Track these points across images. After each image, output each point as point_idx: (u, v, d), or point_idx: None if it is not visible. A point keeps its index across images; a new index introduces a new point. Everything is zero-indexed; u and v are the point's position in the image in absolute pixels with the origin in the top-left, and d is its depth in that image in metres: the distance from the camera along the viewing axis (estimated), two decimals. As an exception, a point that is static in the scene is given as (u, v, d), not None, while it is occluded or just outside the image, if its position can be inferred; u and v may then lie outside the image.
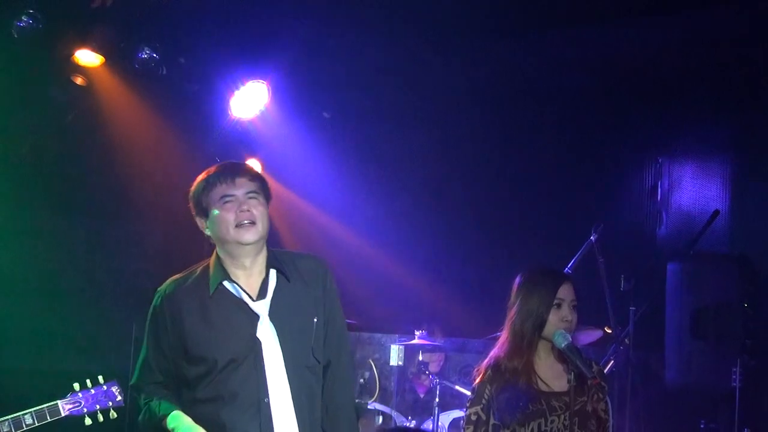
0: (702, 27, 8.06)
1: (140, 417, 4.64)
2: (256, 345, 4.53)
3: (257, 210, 4.60)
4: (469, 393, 7.69)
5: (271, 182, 9.62)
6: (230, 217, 4.56)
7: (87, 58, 7.96)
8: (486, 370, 5.10)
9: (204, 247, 5.00)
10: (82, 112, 8.33)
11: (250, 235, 4.57)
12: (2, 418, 5.02)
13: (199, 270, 4.71)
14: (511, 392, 5.01)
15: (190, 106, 8.72)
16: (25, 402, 5.15)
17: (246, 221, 4.56)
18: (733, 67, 8.37)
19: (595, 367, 5.03)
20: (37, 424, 5.00)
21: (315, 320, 4.67)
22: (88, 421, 5.00)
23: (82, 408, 5.03)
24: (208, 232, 4.68)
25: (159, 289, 4.72)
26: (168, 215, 8.70)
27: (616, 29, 8.21)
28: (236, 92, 8.65)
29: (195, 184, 4.71)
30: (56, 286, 8.40)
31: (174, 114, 8.64)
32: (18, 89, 7.71)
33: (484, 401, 5.06)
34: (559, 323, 5.03)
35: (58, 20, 7.62)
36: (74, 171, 8.49)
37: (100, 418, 5.11)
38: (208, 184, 4.64)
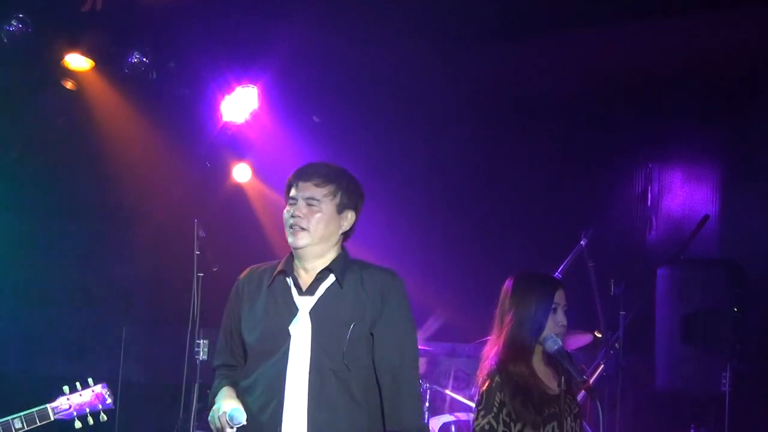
0: (691, 33, 8.08)
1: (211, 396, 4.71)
2: (286, 338, 4.52)
3: (312, 216, 4.64)
4: (458, 397, 7.72)
5: (261, 186, 9.65)
6: (286, 218, 4.67)
7: (77, 62, 7.95)
8: (493, 377, 5.01)
9: (193, 249, 5.00)
10: (71, 116, 8.32)
11: (297, 239, 4.61)
12: None
13: (277, 261, 4.78)
14: (525, 395, 4.95)
15: (180, 111, 8.72)
16: (13, 406, 5.13)
17: (295, 226, 4.62)
18: (723, 72, 8.38)
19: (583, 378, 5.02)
20: (26, 428, 4.99)
21: (353, 325, 4.56)
22: (78, 425, 4.99)
23: (72, 411, 5.02)
24: None
25: (239, 277, 4.82)
26: (157, 219, 8.70)
27: (605, 36, 8.22)
28: (226, 96, 8.64)
29: None
30: (45, 290, 8.39)
31: (164, 118, 8.63)
32: (8, 94, 7.70)
33: (495, 409, 4.96)
34: (555, 328, 5.02)
35: (48, 25, 7.62)
36: (64, 175, 8.48)
37: (90, 421, 5.10)
38: (287, 183, 4.77)
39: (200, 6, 8.02)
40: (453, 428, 7.86)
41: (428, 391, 7.94)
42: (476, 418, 5.00)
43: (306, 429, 4.45)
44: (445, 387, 8.24)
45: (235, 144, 9.17)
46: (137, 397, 8.58)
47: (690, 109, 8.76)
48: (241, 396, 4.56)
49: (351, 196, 4.84)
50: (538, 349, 5.08)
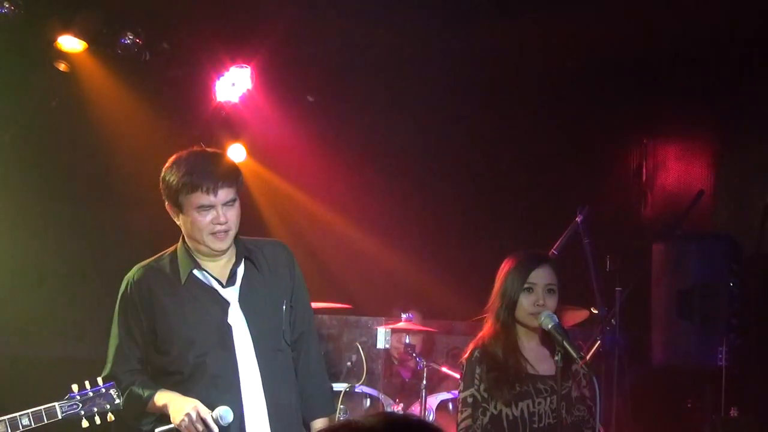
0: (684, 8, 8.06)
1: (121, 403, 4.68)
2: (227, 330, 4.62)
3: (232, 217, 4.63)
4: (455, 375, 7.74)
5: (256, 166, 9.65)
6: (204, 226, 4.58)
7: (70, 44, 7.92)
8: (473, 351, 5.12)
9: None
10: (65, 98, 8.29)
11: (224, 244, 4.64)
12: None
13: (167, 256, 4.78)
14: (500, 372, 5.03)
15: (174, 91, 8.70)
16: (12, 389, 5.15)
17: (219, 233, 4.59)
18: (716, 47, 8.37)
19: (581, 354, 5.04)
20: (33, 426, 4.98)
21: (284, 306, 4.76)
22: (85, 424, 4.99)
23: (79, 410, 5.01)
24: (178, 222, 4.73)
25: (127, 276, 4.80)
26: (153, 200, 8.67)
27: (599, 12, 8.20)
28: (220, 77, 8.63)
29: (171, 171, 4.68)
30: (41, 273, 8.38)
31: (158, 99, 8.61)
32: (0, 76, 7.68)
33: (476, 382, 5.06)
34: (530, 307, 5.05)
35: (40, 6, 7.59)
36: (58, 158, 8.46)
37: (98, 420, 5.11)
38: (187, 186, 4.59)
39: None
40: (450, 405, 7.88)
41: (425, 369, 7.95)
42: (460, 391, 5.16)
43: (266, 408, 4.62)
44: (442, 364, 8.26)
45: (229, 124, 9.15)
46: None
47: (684, 85, 8.75)
48: (186, 392, 4.58)
49: (243, 183, 4.84)
50: (522, 329, 5.13)
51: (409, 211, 9.77)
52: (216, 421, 4.48)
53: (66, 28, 7.84)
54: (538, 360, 5.11)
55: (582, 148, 9.21)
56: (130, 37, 8.06)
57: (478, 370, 5.07)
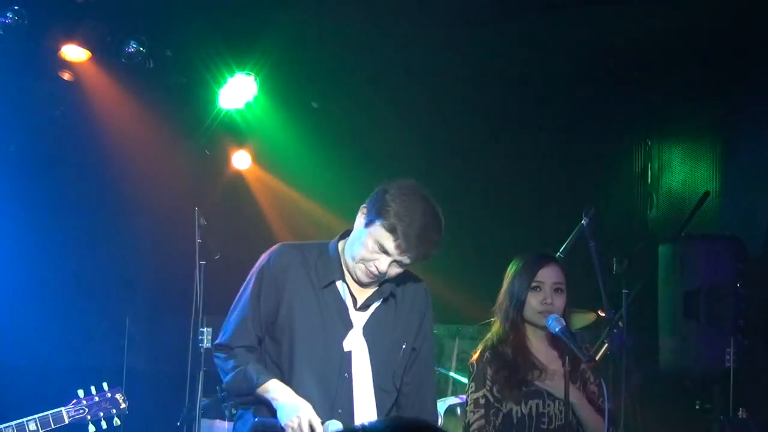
0: (689, 8, 8.05)
1: (229, 378, 4.52)
2: (342, 354, 4.47)
3: (392, 275, 4.50)
4: (463, 379, 7.73)
5: (261, 173, 9.66)
6: (365, 259, 4.44)
7: (73, 53, 7.94)
8: (483, 352, 5.11)
9: (194, 238, 4.98)
10: (69, 107, 8.30)
11: (366, 282, 4.51)
12: (6, 424, 5.02)
13: (315, 248, 4.66)
14: (510, 370, 5.02)
15: (178, 99, 8.71)
16: (19, 397, 5.15)
17: (373, 278, 4.47)
18: (721, 47, 8.36)
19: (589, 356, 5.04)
20: (40, 431, 4.99)
21: (404, 346, 4.59)
22: (91, 429, 4.99)
23: (85, 415, 5.03)
24: (356, 225, 4.59)
25: (270, 250, 4.65)
26: (158, 208, 8.69)
27: (604, 12, 8.20)
28: (224, 84, 8.63)
29: (396, 197, 4.53)
30: (46, 281, 8.39)
31: (162, 107, 8.62)
32: (5, 86, 7.69)
33: (488, 383, 5.05)
34: (538, 306, 5.06)
35: (43, 16, 7.60)
36: (63, 166, 8.47)
37: (104, 425, 5.11)
38: (390, 225, 4.41)
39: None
40: (458, 410, 7.87)
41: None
42: (471, 392, 5.11)
43: None
44: (450, 369, 8.25)
45: (234, 131, 9.16)
46: (142, 386, 8.58)
47: (688, 86, 8.74)
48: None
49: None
50: (531, 330, 5.14)
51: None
52: None
53: (70, 38, 7.86)
54: (548, 360, 5.11)
55: (587, 150, 9.20)
56: (134, 45, 8.07)
57: (489, 371, 5.06)
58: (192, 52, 8.42)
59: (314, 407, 4.33)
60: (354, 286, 4.55)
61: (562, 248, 7.09)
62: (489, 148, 9.55)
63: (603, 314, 7.27)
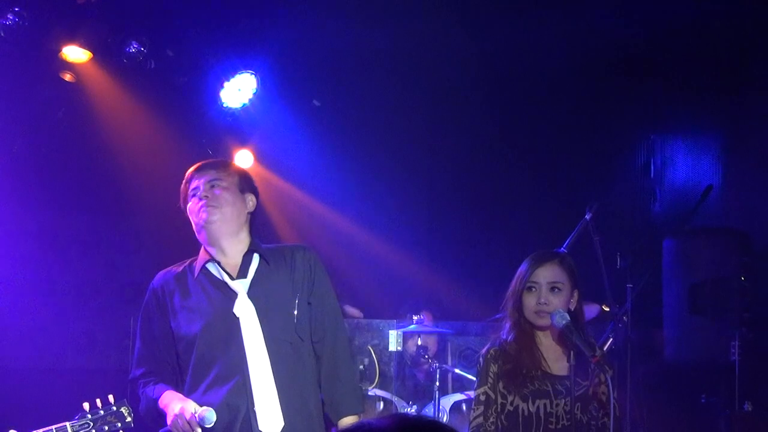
0: (692, 3, 8.05)
1: (141, 406, 4.81)
2: (234, 321, 4.72)
3: (217, 193, 4.83)
4: (469, 376, 7.74)
5: (264, 172, 9.66)
6: (194, 206, 4.83)
7: (74, 54, 7.93)
8: (489, 349, 5.15)
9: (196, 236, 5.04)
10: (71, 108, 8.30)
11: (208, 214, 4.78)
12: None
13: (188, 261, 4.95)
14: (516, 366, 5.03)
15: (180, 99, 8.69)
16: (26, 400, 5.15)
17: (203, 206, 4.78)
18: (724, 42, 8.36)
19: (598, 351, 5.03)
20: None
21: (297, 300, 4.84)
22: None
23: (90, 429, 5.02)
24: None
25: (151, 283, 4.96)
26: (161, 208, 8.69)
27: (607, 7, 8.20)
28: (225, 83, 8.62)
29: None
30: (52, 283, 8.39)
31: (164, 107, 8.61)
32: (6, 88, 7.69)
33: (491, 380, 5.07)
34: (534, 306, 5.07)
35: (44, 17, 7.59)
36: (65, 168, 8.47)
37: None
38: (184, 183, 4.94)
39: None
40: (464, 406, 7.87)
41: (437, 371, 7.95)
42: (475, 389, 5.18)
43: (277, 399, 4.67)
44: (455, 366, 8.25)
45: (236, 131, 9.15)
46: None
47: (690, 80, 8.74)
48: (194, 387, 4.70)
49: (249, 181, 5.03)
50: (537, 326, 5.12)
51: (419, 213, 9.77)
52: (200, 423, 4.53)
53: (70, 39, 7.85)
54: (556, 358, 5.11)
55: (590, 145, 9.20)
56: (135, 45, 8.05)
57: (493, 368, 5.08)
58: (193, 51, 8.41)
59: (224, 385, 4.65)
60: (225, 262, 4.83)
61: (565, 243, 7.10)
62: (492, 145, 9.56)
63: (607, 309, 7.28)
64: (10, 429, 4.86)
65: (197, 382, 4.71)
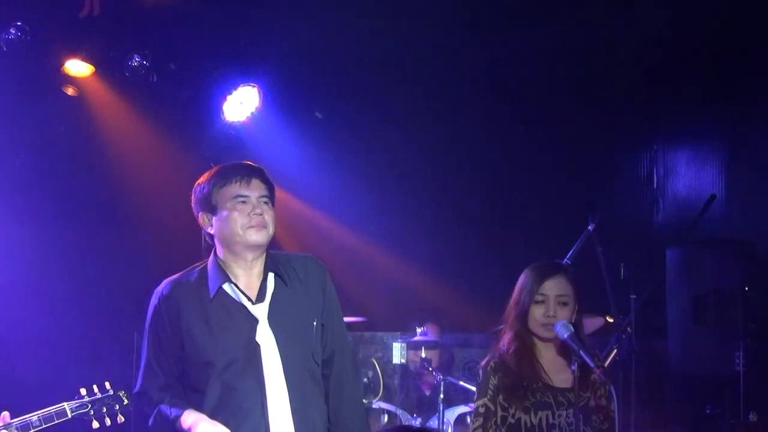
0: (694, 13, 8.06)
1: (150, 422, 4.63)
2: (255, 349, 4.57)
3: (268, 215, 4.67)
4: (473, 388, 7.73)
5: (267, 185, 9.63)
6: (243, 219, 4.60)
7: (77, 68, 7.93)
8: (489, 361, 5.14)
9: (200, 250, 5.00)
10: (74, 122, 8.30)
11: (261, 236, 4.62)
12: (9, 421, 5.03)
13: (197, 271, 4.73)
14: (515, 378, 5.02)
15: (182, 112, 8.70)
16: (28, 413, 5.15)
17: (259, 224, 4.61)
18: (725, 52, 8.37)
19: (599, 363, 5.03)
20: (43, 426, 5.02)
21: (314, 323, 4.71)
22: (95, 425, 5.00)
23: (89, 410, 5.04)
24: (210, 230, 4.70)
25: (156, 290, 4.74)
26: (163, 221, 8.69)
27: (608, 17, 8.20)
28: (228, 96, 8.63)
29: (204, 179, 4.74)
30: (54, 296, 8.37)
31: (166, 120, 8.62)
32: (9, 102, 7.69)
33: (490, 392, 5.06)
34: (542, 318, 5.06)
35: (46, 32, 7.60)
36: (68, 181, 8.46)
37: (108, 421, 5.13)
38: (221, 180, 4.66)
39: (198, 7, 8.01)
40: (468, 418, 7.86)
41: (442, 383, 7.93)
42: (475, 401, 5.20)
43: (293, 428, 4.55)
44: (459, 378, 8.24)
45: (238, 143, 9.15)
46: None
47: (692, 90, 8.74)
48: (211, 415, 4.52)
49: (275, 196, 4.86)
50: (542, 338, 5.12)
51: (422, 225, 9.76)
52: None
53: (73, 53, 7.86)
54: (557, 370, 5.10)
55: (592, 155, 9.20)
56: (137, 59, 8.06)
57: (493, 380, 5.07)
58: (195, 65, 8.42)
59: (241, 414, 4.51)
60: (242, 283, 4.64)
61: (569, 254, 7.10)
62: (495, 156, 9.55)
63: (611, 320, 7.28)
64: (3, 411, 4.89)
65: (214, 410, 4.54)
